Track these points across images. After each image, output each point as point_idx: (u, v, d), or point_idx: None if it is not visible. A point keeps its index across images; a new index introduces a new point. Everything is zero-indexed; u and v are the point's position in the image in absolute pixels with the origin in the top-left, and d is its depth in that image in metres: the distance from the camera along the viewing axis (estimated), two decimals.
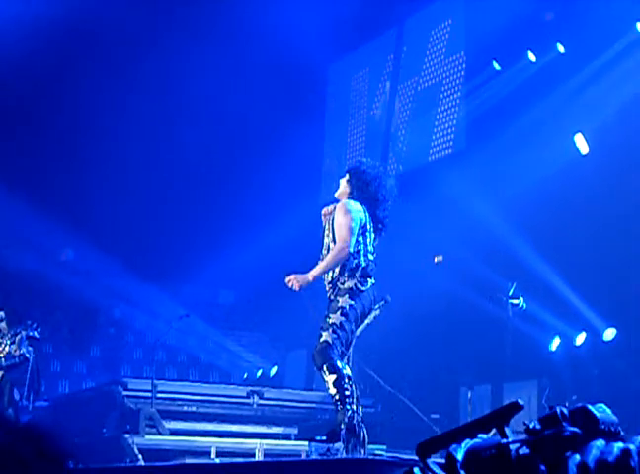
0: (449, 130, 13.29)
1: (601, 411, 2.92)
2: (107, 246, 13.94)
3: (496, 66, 12.56)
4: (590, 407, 2.89)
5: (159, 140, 14.66)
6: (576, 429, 2.69)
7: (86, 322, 15.14)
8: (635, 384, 9.66)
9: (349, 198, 6.87)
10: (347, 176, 7.02)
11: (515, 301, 9.95)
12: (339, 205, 6.81)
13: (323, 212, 6.99)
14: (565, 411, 2.80)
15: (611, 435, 2.82)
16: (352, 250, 6.60)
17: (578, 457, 2.62)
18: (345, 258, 6.58)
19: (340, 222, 6.67)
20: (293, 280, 6.62)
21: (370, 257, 6.74)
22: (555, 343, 11.18)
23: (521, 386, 11.00)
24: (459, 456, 2.70)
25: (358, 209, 6.74)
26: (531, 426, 2.73)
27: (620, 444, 2.67)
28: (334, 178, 15.67)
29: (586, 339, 10.87)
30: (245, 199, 15.29)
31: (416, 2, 14.13)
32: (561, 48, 11.66)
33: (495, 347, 10.99)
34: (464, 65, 13.20)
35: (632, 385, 9.65)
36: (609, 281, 10.61)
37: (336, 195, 7.08)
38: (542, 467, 2.61)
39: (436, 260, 11.21)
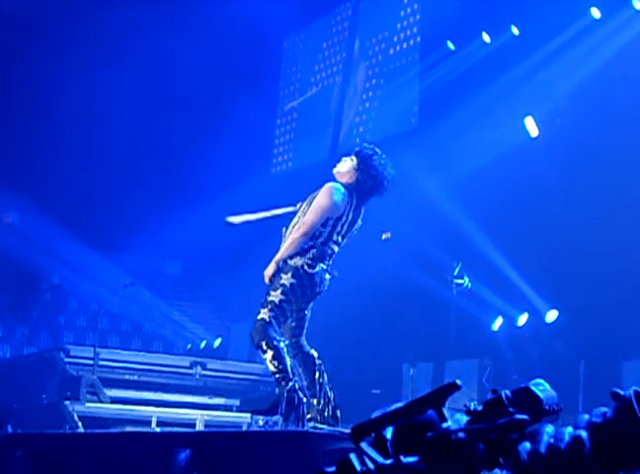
0: (402, 108, 13.29)
1: (542, 389, 2.89)
2: (52, 211, 13.78)
3: (450, 46, 12.59)
4: (532, 387, 2.86)
5: (108, 105, 14.44)
6: (524, 416, 2.65)
7: (28, 287, 14.98)
8: (575, 366, 9.80)
9: (346, 183, 6.56)
10: (355, 159, 6.60)
11: (460, 281, 10.02)
12: (328, 186, 6.49)
13: (298, 206, 6.64)
14: (509, 394, 2.76)
15: (554, 414, 2.82)
16: (311, 232, 6.40)
17: (528, 445, 2.59)
18: (301, 239, 6.39)
19: (318, 203, 6.42)
20: (265, 276, 6.44)
21: (333, 246, 6.53)
22: (498, 323, 11.31)
23: (463, 364, 11.10)
24: (388, 435, 2.67)
25: (343, 199, 6.46)
26: (472, 407, 2.71)
27: (570, 429, 2.65)
28: (285, 149, 15.70)
29: (528, 320, 11.00)
30: (195, 169, 15.16)
31: None
32: (515, 30, 11.71)
33: (439, 325, 11.09)
34: (419, 43, 13.19)
35: (572, 367, 9.79)
36: (553, 264, 10.73)
37: (335, 170, 6.66)
38: (481, 446, 2.59)
39: (384, 237, 11.23)
